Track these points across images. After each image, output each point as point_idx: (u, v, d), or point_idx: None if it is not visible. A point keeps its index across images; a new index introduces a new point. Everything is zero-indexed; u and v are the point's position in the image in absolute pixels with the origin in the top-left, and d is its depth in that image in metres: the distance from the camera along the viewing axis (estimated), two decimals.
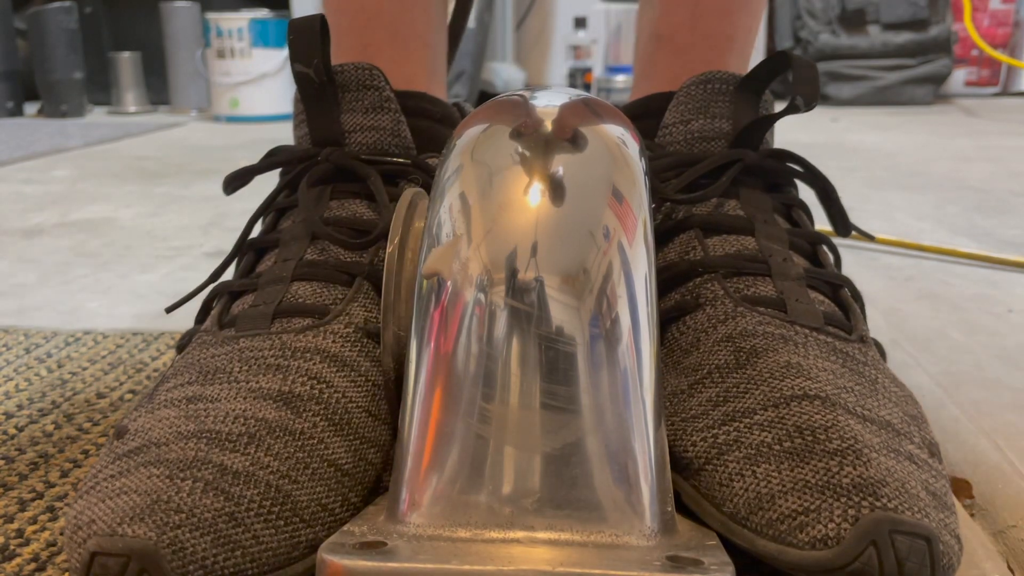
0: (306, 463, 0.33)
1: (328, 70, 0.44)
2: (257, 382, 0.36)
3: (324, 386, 0.37)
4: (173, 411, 0.35)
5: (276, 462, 0.33)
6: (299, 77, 0.44)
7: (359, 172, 0.44)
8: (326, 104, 0.45)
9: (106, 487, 0.31)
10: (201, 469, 0.31)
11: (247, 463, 0.32)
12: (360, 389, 0.38)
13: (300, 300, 0.40)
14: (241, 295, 0.42)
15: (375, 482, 0.36)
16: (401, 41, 0.52)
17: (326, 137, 0.46)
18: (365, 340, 0.40)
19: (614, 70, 2.50)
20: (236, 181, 0.47)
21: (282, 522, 0.31)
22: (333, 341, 0.39)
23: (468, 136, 0.33)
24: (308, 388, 0.36)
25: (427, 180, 0.45)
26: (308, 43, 0.43)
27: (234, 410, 0.34)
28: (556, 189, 0.30)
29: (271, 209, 0.46)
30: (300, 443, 0.34)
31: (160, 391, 0.37)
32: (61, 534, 0.37)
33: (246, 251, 0.45)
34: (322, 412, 0.36)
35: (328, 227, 0.42)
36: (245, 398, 0.35)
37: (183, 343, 0.42)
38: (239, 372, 0.36)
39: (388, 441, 0.38)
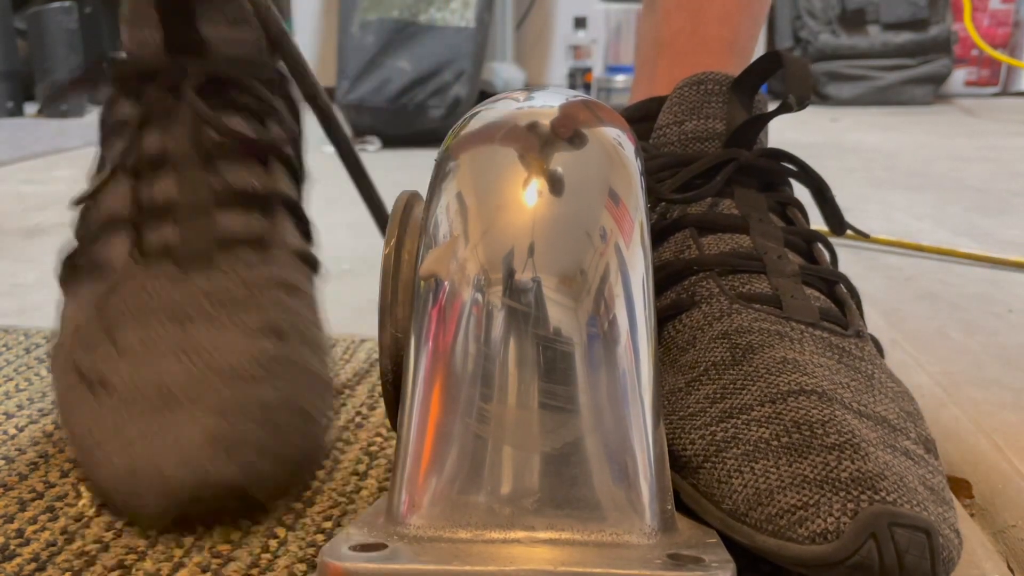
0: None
1: None
2: (241, 319, 0.39)
3: (295, 316, 0.41)
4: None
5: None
6: None
7: (243, 83, 0.43)
8: (181, 13, 0.43)
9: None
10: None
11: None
12: (312, 311, 0.42)
13: (235, 231, 0.41)
14: (145, 225, 0.41)
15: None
16: None
17: (185, 47, 0.43)
18: (302, 264, 0.43)
19: (614, 70, 2.50)
20: (58, 96, 0.47)
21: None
22: (281, 269, 0.41)
23: (465, 136, 0.33)
24: (284, 318, 0.40)
25: (293, 98, 0.47)
26: None
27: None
28: (553, 189, 0.30)
29: (125, 125, 0.44)
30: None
31: (122, 334, 0.38)
32: (62, 534, 0.37)
33: (116, 173, 0.43)
34: (300, 337, 0.40)
35: (221, 145, 0.42)
36: (245, 335, 0.38)
37: (64, 275, 0.43)
38: (215, 311, 0.39)
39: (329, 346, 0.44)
